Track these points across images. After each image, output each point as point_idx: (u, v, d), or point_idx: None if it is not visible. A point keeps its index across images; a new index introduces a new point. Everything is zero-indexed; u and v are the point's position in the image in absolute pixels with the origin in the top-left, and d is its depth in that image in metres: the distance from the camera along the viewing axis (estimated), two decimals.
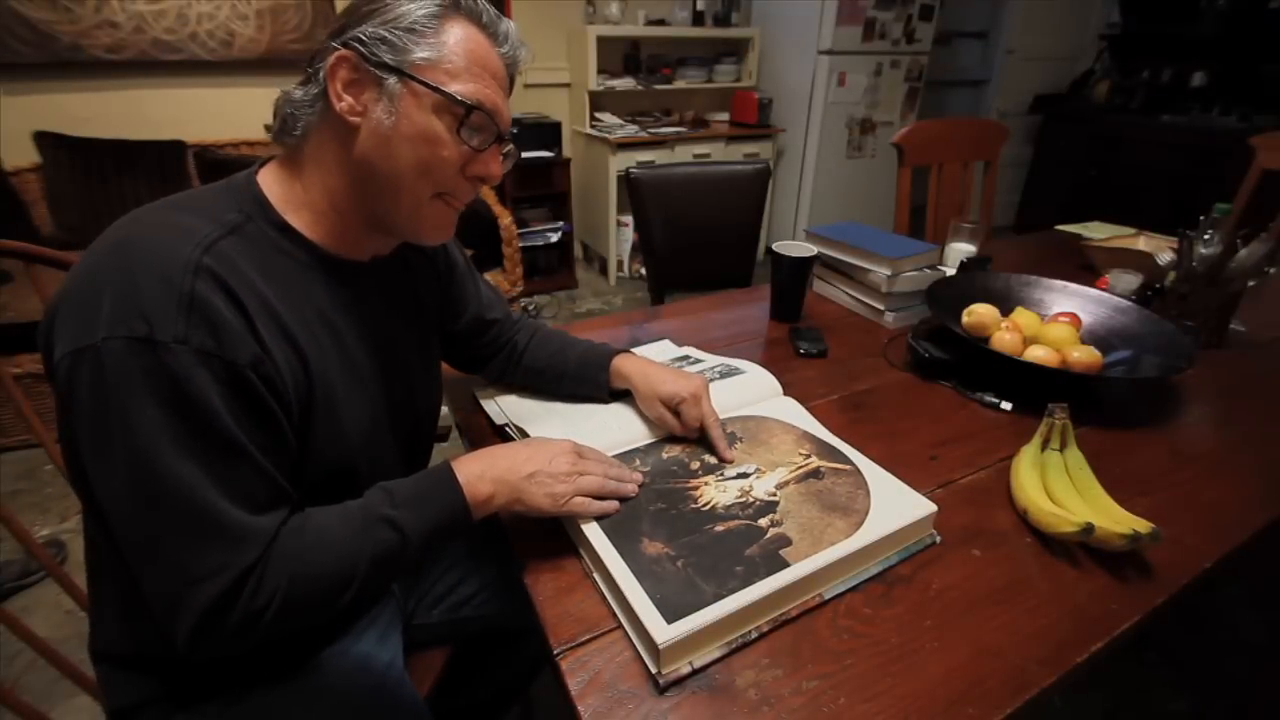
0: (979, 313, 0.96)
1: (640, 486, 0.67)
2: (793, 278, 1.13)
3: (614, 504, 0.63)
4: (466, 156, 0.58)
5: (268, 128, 0.59)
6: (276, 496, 0.52)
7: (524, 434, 0.76)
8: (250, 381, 0.49)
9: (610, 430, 0.76)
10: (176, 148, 2.41)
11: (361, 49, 0.53)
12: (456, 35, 0.55)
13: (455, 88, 0.55)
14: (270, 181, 0.59)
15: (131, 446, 0.46)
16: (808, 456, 0.72)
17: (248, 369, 0.49)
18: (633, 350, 0.85)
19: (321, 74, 0.54)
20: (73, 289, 0.48)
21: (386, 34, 0.53)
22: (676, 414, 0.74)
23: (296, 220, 0.58)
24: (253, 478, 0.50)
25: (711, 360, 0.93)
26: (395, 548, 0.54)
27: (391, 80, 0.54)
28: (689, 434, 0.75)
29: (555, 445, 0.64)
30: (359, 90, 0.54)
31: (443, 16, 0.55)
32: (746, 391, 0.84)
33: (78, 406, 0.47)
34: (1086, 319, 1.02)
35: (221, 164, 2.32)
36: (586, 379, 0.82)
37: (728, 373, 0.88)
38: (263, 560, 0.49)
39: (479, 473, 0.59)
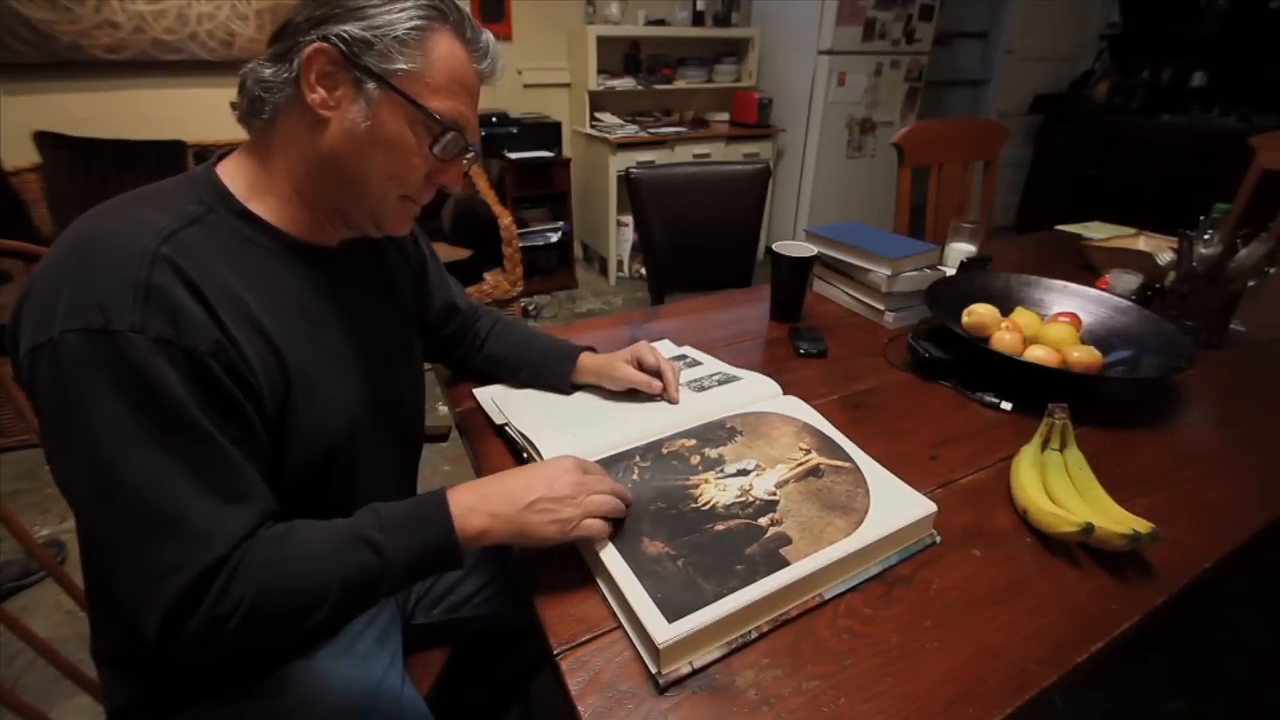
0: (979, 313, 0.96)
1: (639, 483, 0.66)
2: (793, 278, 1.13)
3: (611, 524, 0.61)
4: (433, 166, 0.59)
5: (234, 105, 0.58)
6: (248, 490, 0.51)
7: (524, 435, 0.76)
8: (212, 370, 0.48)
9: (610, 430, 0.76)
10: (176, 148, 2.40)
11: (343, 47, 0.52)
12: (441, 50, 0.55)
13: (434, 104, 0.55)
14: (233, 171, 0.58)
15: (91, 441, 0.45)
16: (808, 452, 0.72)
17: (209, 357, 0.48)
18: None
19: (296, 61, 0.53)
20: (33, 287, 0.47)
21: (373, 39, 0.52)
22: (640, 368, 0.83)
23: (261, 207, 0.58)
24: (221, 468, 0.49)
25: (711, 367, 0.93)
26: (373, 573, 0.52)
27: (371, 85, 0.54)
28: (651, 386, 0.82)
29: (557, 465, 0.61)
30: (333, 85, 0.54)
31: (428, 29, 0.54)
32: (747, 394, 0.85)
33: (40, 403, 0.46)
34: (1086, 319, 1.02)
35: None
36: (550, 369, 0.85)
37: (726, 380, 0.89)
38: (230, 562, 0.48)
39: (473, 505, 0.56)
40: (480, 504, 0.56)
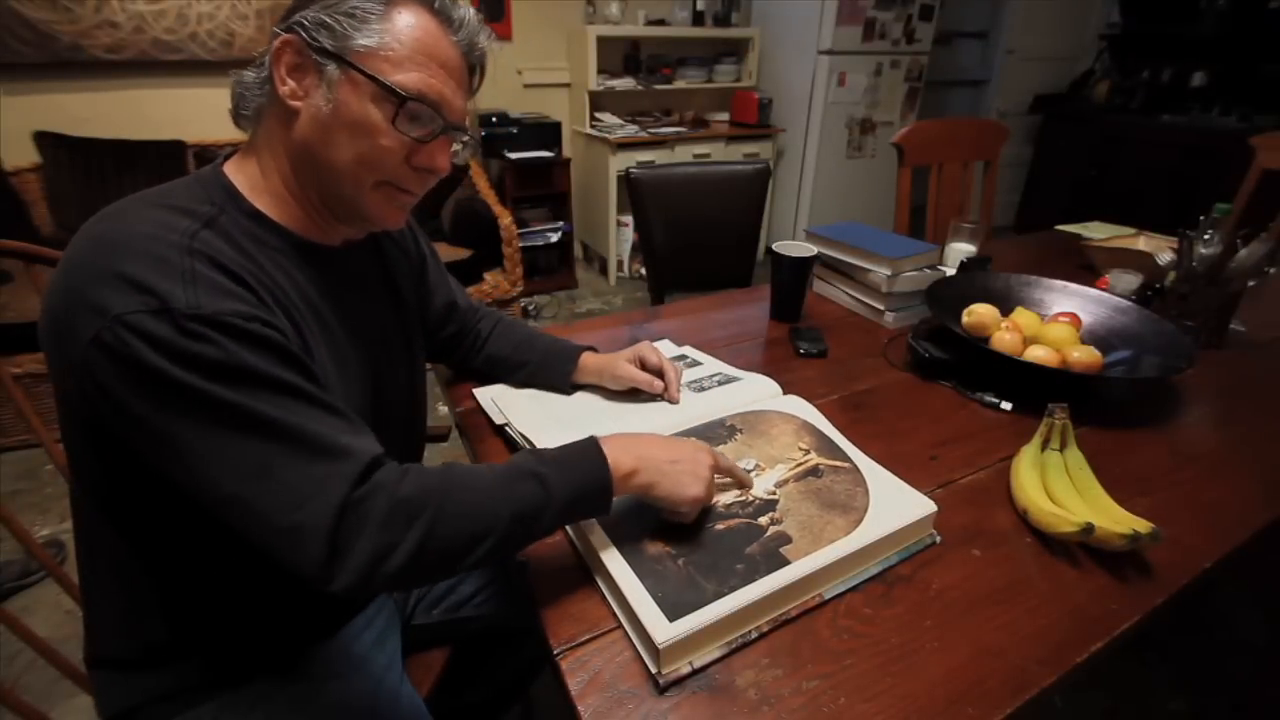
0: (979, 313, 0.96)
1: None
2: (793, 278, 1.13)
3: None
4: (408, 147, 0.56)
5: (230, 111, 0.59)
6: (359, 427, 0.51)
7: (524, 435, 0.76)
8: (274, 338, 0.48)
9: (610, 430, 0.76)
10: (176, 148, 2.41)
11: (303, 34, 0.52)
12: (404, 22, 0.53)
13: (396, 77, 0.53)
14: (235, 170, 0.58)
15: (190, 416, 0.45)
16: (807, 452, 0.72)
17: (265, 326, 0.48)
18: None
19: (268, 58, 0.54)
20: (64, 287, 0.46)
21: (327, 19, 0.52)
22: (642, 367, 0.84)
23: (265, 207, 0.58)
24: (321, 410, 0.49)
25: (711, 368, 0.93)
26: (538, 504, 0.52)
27: (331, 67, 0.53)
28: (653, 385, 0.82)
29: (696, 444, 0.63)
30: (301, 75, 0.54)
31: (389, 3, 0.53)
32: (747, 394, 0.85)
33: (114, 395, 0.45)
34: (1086, 319, 1.02)
35: None
36: (552, 369, 0.85)
37: (726, 380, 0.89)
38: (394, 467, 0.48)
39: (624, 446, 0.58)
40: (630, 446, 0.58)
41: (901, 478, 0.67)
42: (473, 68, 0.60)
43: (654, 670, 0.50)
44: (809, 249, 1.13)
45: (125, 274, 0.45)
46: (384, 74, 0.53)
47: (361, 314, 0.66)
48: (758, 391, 0.86)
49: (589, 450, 0.57)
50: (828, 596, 0.57)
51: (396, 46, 0.53)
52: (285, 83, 0.54)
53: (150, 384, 0.44)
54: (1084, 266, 1.41)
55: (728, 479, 0.65)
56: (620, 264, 3.44)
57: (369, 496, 0.47)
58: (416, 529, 0.47)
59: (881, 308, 1.13)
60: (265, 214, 0.57)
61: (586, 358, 0.86)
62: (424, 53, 0.54)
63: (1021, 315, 0.99)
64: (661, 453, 0.59)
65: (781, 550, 0.58)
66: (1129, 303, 1.04)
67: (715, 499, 0.65)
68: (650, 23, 3.26)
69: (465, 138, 0.61)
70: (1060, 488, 0.68)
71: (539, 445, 0.73)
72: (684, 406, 0.82)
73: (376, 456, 0.49)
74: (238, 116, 0.59)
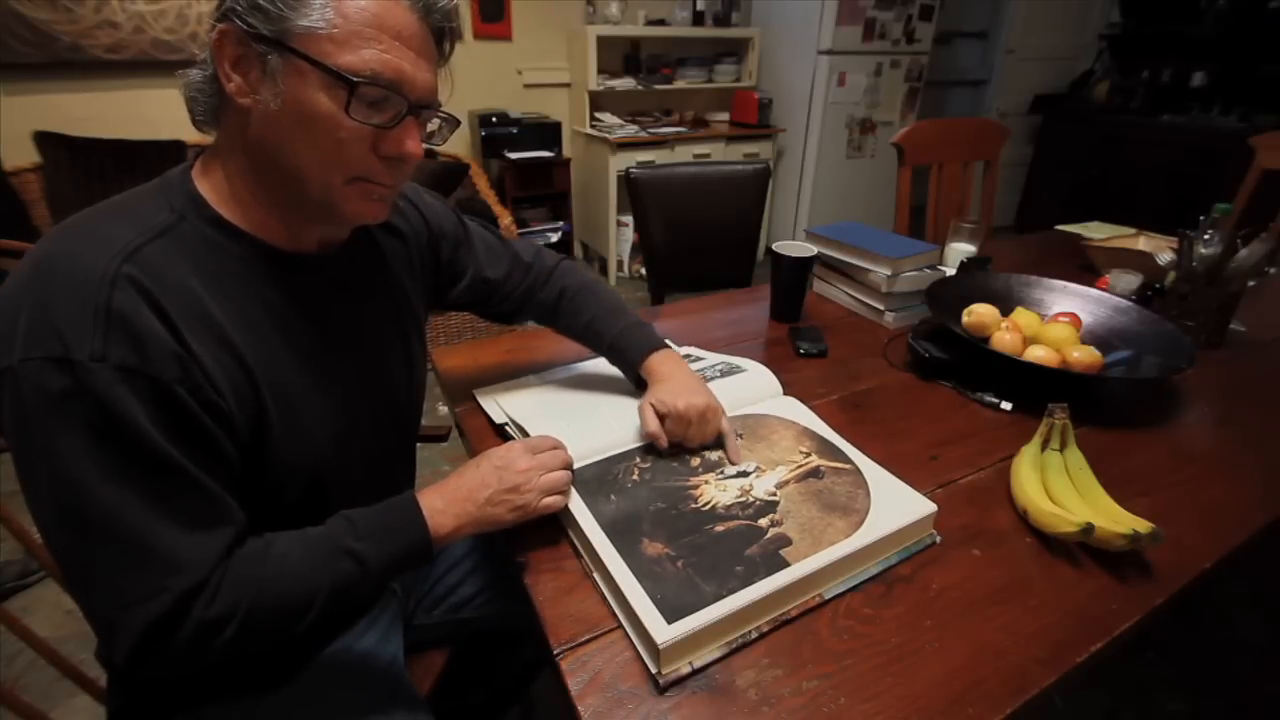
0: (979, 313, 0.96)
1: (639, 483, 0.67)
2: (793, 278, 1.13)
3: (568, 481, 0.65)
4: (373, 135, 0.51)
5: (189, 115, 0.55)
6: (219, 514, 0.50)
7: (524, 433, 0.76)
8: (178, 396, 0.46)
9: (611, 429, 0.76)
10: (176, 148, 2.41)
11: (239, 21, 0.47)
12: None
13: (344, 59, 0.47)
14: (201, 175, 0.55)
15: (55, 474, 0.44)
16: (807, 455, 0.72)
17: (175, 384, 0.46)
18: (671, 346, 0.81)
19: (209, 52, 0.50)
20: (3, 295, 0.46)
21: (263, 3, 0.47)
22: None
23: (231, 214, 0.54)
24: (189, 495, 0.48)
25: (713, 359, 0.93)
26: (355, 579, 0.54)
27: (272, 56, 0.48)
28: (659, 441, 0.71)
29: (504, 455, 0.63)
30: (245, 69, 0.49)
31: None
32: (747, 390, 0.85)
33: (4, 429, 0.45)
34: (1086, 319, 1.02)
35: None
36: (619, 368, 0.83)
37: (729, 370, 0.88)
38: (213, 583, 0.48)
39: (441, 508, 0.58)
40: (447, 505, 0.59)
41: (901, 478, 0.68)
42: (438, 32, 0.54)
43: (654, 670, 0.50)
44: (809, 249, 1.13)
45: (42, 305, 0.44)
46: (329, 57, 0.47)
47: (346, 318, 0.63)
48: (758, 387, 0.85)
49: (408, 518, 0.57)
50: (828, 597, 0.57)
51: (340, 23, 0.47)
52: (230, 79, 0.49)
53: (30, 431, 0.44)
54: (1084, 266, 1.41)
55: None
56: (620, 264, 3.44)
57: (187, 604, 0.47)
58: (235, 621, 0.49)
59: (881, 308, 1.13)
60: (230, 221, 0.54)
61: (652, 363, 0.78)
62: (373, 25, 0.48)
63: (1021, 315, 0.99)
64: (476, 496, 0.59)
65: (781, 553, 0.58)
66: (1129, 303, 1.04)
67: (715, 500, 0.65)
68: (650, 23, 3.26)
69: (439, 115, 0.57)
70: (1060, 488, 0.68)
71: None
72: None
73: (211, 566, 0.48)
74: (195, 120, 0.54)
